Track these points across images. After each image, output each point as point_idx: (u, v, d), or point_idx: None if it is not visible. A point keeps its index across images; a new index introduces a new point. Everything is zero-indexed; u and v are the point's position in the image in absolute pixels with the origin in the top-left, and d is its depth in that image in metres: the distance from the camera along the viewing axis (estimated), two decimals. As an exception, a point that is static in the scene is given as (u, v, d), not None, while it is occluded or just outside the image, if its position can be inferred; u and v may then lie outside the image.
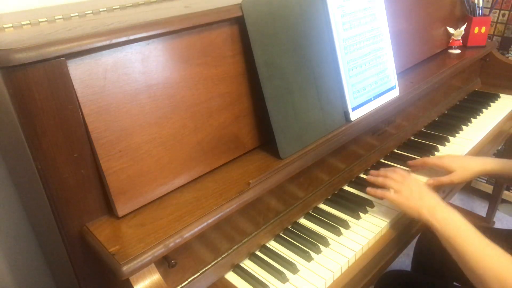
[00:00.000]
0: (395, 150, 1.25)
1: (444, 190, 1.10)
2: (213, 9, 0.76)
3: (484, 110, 1.47)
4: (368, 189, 0.95)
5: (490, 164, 1.01)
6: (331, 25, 0.94)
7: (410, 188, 0.88)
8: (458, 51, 1.54)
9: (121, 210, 0.70)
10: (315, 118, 0.93)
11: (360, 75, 1.03)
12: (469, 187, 2.22)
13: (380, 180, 0.95)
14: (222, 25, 0.79)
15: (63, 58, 0.59)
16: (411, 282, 1.06)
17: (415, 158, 1.14)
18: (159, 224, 0.70)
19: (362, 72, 1.03)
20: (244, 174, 0.82)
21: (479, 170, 1.02)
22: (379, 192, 0.92)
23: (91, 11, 0.91)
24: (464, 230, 0.76)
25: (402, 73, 1.29)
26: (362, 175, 1.13)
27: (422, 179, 1.07)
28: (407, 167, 1.13)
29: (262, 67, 0.82)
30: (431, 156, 1.18)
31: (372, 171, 1.02)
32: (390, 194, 0.89)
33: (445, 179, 1.02)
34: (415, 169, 1.11)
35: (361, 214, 0.96)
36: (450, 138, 1.29)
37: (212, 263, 0.79)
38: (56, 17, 0.84)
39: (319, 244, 0.87)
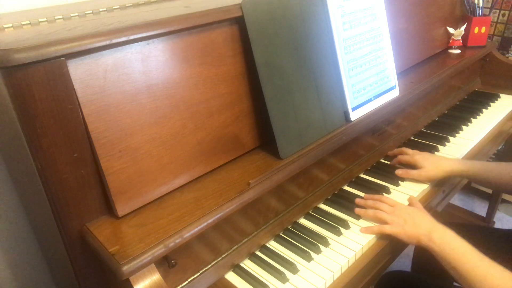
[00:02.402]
0: (395, 150, 1.25)
1: (444, 190, 1.10)
2: (213, 9, 0.76)
3: (484, 110, 1.47)
4: (362, 229, 0.92)
5: (460, 165, 1.04)
6: (331, 25, 0.94)
7: (402, 217, 0.88)
8: (458, 51, 1.54)
9: (121, 210, 0.70)
10: (315, 118, 0.93)
11: (360, 75, 1.03)
12: (469, 187, 2.22)
13: (370, 213, 0.94)
14: (222, 25, 0.79)
15: (63, 58, 0.59)
16: (411, 282, 1.06)
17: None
18: (159, 224, 0.70)
19: (362, 72, 1.03)
20: (244, 174, 0.82)
21: (449, 170, 1.04)
22: (375, 228, 0.91)
23: (91, 11, 0.91)
24: (463, 250, 0.77)
25: (402, 73, 1.29)
26: (362, 175, 1.13)
27: (420, 183, 1.07)
28: (406, 166, 1.13)
29: (262, 67, 0.82)
30: (407, 150, 1.17)
31: (358, 200, 0.99)
32: (386, 228, 0.89)
33: (413, 172, 1.06)
34: (394, 162, 1.14)
35: (361, 214, 0.96)
36: (450, 138, 1.29)
37: (212, 263, 0.79)
38: (56, 17, 0.84)
39: (319, 244, 0.87)
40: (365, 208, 0.96)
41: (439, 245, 0.80)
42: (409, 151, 1.13)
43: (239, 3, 0.79)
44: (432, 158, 1.08)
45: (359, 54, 1.02)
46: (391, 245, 0.92)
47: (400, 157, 1.13)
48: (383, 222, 0.91)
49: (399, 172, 1.08)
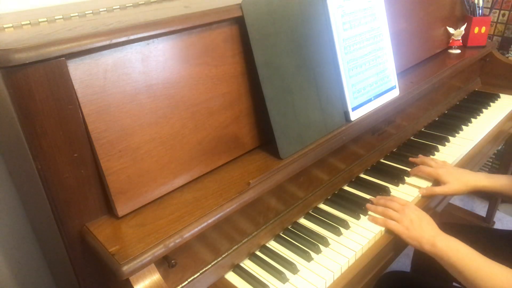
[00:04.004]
0: (395, 150, 1.25)
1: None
2: (213, 9, 0.76)
3: (484, 110, 1.47)
4: (370, 217, 0.95)
5: (484, 180, 1.02)
6: (331, 25, 0.94)
7: (410, 218, 0.89)
8: (458, 51, 1.54)
9: (121, 210, 0.70)
10: (315, 118, 0.93)
11: (360, 75, 1.03)
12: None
13: (379, 209, 0.95)
14: (222, 25, 0.79)
15: (63, 58, 0.59)
16: (410, 283, 1.06)
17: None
18: (159, 224, 0.70)
19: (362, 72, 1.03)
20: (244, 174, 0.82)
21: (473, 185, 1.02)
22: (380, 220, 0.93)
23: (91, 11, 0.91)
24: (467, 253, 0.78)
25: (402, 73, 1.29)
26: (362, 175, 1.13)
27: (420, 183, 1.07)
28: (406, 166, 1.13)
29: (262, 67, 0.82)
30: (430, 156, 1.17)
31: (369, 206, 1.00)
32: (391, 224, 0.90)
33: (438, 189, 1.02)
34: (414, 172, 1.11)
35: (361, 214, 0.96)
36: (450, 138, 1.29)
37: (212, 263, 0.79)
38: (56, 17, 0.84)
39: (319, 244, 0.87)
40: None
41: (443, 249, 0.81)
42: (432, 162, 1.09)
43: (239, 3, 0.79)
44: (456, 173, 1.04)
45: (359, 54, 1.02)
46: (391, 245, 0.92)
47: (422, 167, 1.09)
48: (390, 219, 0.91)
49: (423, 191, 1.03)
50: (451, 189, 1.01)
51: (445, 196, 1.07)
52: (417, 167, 1.11)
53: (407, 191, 1.04)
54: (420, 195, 1.03)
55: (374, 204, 0.98)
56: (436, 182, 1.06)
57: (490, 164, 2.09)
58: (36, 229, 1.08)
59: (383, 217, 0.93)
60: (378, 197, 1.01)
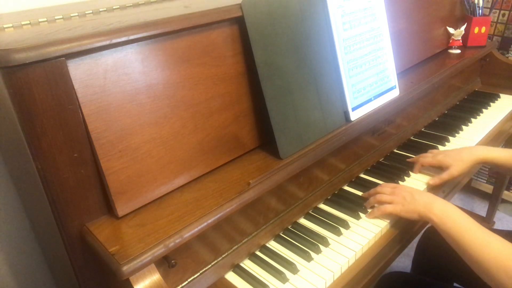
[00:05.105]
0: (395, 150, 1.25)
1: (443, 190, 1.10)
2: (213, 9, 0.76)
3: (484, 110, 1.47)
4: (366, 215, 0.96)
5: (483, 152, 1.02)
6: (331, 25, 0.94)
7: (402, 195, 0.90)
8: (458, 51, 1.54)
9: (121, 210, 0.70)
10: (315, 118, 0.93)
11: (360, 75, 1.03)
12: (469, 187, 2.22)
13: (372, 200, 0.96)
14: (222, 25, 0.79)
15: (63, 58, 0.59)
16: (411, 283, 1.06)
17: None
18: (159, 224, 0.70)
19: (362, 72, 1.03)
20: (244, 174, 0.82)
21: (474, 159, 1.02)
22: (376, 210, 0.93)
23: (91, 11, 0.91)
24: (464, 221, 0.78)
25: (402, 73, 1.29)
26: (362, 175, 1.13)
27: (420, 183, 1.07)
28: (406, 166, 1.13)
29: (262, 67, 0.82)
30: (425, 153, 1.17)
31: (364, 194, 1.02)
32: (387, 208, 0.91)
33: (445, 175, 1.03)
34: (417, 168, 1.11)
35: (361, 214, 0.96)
36: (450, 138, 1.29)
37: (212, 263, 0.79)
38: (56, 17, 0.84)
39: (319, 244, 0.87)
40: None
41: (439, 216, 0.81)
42: (428, 154, 1.10)
43: (239, 3, 0.79)
44: (454, 154, 1.04)
45: (359, 54, 1.02)
46: (391, 245, 0.92)
47: (422, 160, 1.09)
48: (384, 204, 0.92)
49: (431, 181, 1.03)
50: (456, 171, 1.01)
51: (455, 180, 1.06)
52: (417, 162, 1.11)
53: (407, 191, 1.04)
54: (426, 187, 1.04)
55: (367, 201, 0.99)
56: (440, 170, 1.06)
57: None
58: (36, 229, 1.08)
59: (378, 207, 0.93)
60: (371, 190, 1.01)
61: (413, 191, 0.90)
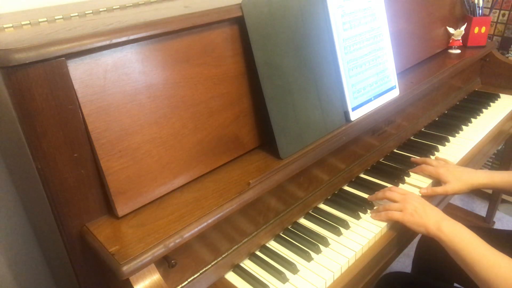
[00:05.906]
0: (395, 150, 1.25)
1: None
2: (213, 9, 0.76)
3: (484, 110, 1.47)
4: (372, 215, 0.95)
5: (485, 178, 1.02)
6: (331, 25, 0.94)
7: (413, 205, 0.89)
8: (458, 51, 1.54)
9: (121, 210, 0.70)
10: (315, 118, 0.93)
11: (360, 75, 1.03)
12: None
13: (381, 208, 0.95)
14: (222, 25, 0.79)
15: (63, 58, 0.59)
16: (411, 283, 1.06)
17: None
18: (159, 224, 0.70)
19: (362, 72, 1.03)
20: (244, 174, 0.82)
21: (475, 184, 1.02)
22: (383, 214, 0.92)
23: (91, 11, 0.91)
24: (471, 241, 0.78)
25: (402, 73, 1.29)
26: (362, 175, 1.13)
27: (420, 183, 1.07)
28: (406, 166, 1.13)
29: (262, 67, 0.82)
30: (431, 157, 1.18)
31: (370, 197, 1.01)
32: (395, 215, 0.90)
33: (439, 189, 1.02)
34: (416, 170, 1.11)
35: (361, 214, 0.96)
36: (450, 138, 1.29)
37: (212, 263, 0.79)
38: (56, 17, 0.84)
39: (319, 244, 0.87)
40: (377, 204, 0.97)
41: (447, 235, 0.80)
42: (433, 162, 1.09)
43: (239, 3, 0.79)
44: (456, 172, 1.03)
45: (359, 54, 1.02)
46: (391, 245, 0.92)
47: (423, 167, 1.09)
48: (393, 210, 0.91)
49: (423, 191, 1.03)
50: (452, 189, 1.01)
51: (445, 196, 1.07)
52: (418, 167, 1.11)
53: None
54: (420, 195, 1.03)
55: (373, 202, 0.98)
56: (437, 181, 1.06)
57: (490, 164, 2.09)
58: (36, 229, 1.08)
59: (386, 211, 0.92)
60: (376, 192, 1.00)
61: (426, 205, 0.89)
